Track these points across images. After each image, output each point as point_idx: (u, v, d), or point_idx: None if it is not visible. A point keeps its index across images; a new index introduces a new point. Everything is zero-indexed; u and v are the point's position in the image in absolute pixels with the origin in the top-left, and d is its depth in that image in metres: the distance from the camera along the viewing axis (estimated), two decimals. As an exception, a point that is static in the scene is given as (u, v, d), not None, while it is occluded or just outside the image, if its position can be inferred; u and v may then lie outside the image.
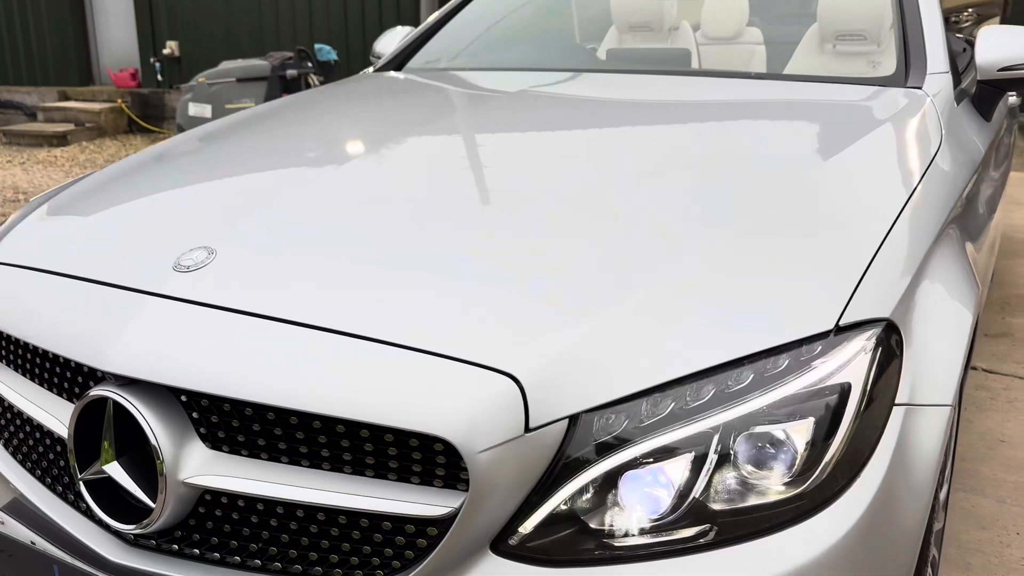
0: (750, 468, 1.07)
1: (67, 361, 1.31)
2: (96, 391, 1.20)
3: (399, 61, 2.81)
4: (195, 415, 1.19)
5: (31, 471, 1.41)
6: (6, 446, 1.47)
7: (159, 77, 9.82)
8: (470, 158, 1.70)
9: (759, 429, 1.07)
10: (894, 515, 1.12)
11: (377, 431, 1.08)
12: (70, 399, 1.33)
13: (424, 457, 1.08)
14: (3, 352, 1.46)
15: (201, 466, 1.17)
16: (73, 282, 1.35)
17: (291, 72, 7.00)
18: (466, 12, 2.99)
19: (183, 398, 1.19)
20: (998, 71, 2.12)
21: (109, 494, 1.24)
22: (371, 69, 2.82)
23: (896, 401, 1.15)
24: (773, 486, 1.07)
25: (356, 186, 1.54)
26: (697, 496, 1.06)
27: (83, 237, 1.49)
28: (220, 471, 1.16)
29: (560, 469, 1.07)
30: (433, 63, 2.76)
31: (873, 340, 1.14)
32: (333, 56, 7.47)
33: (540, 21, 3.22)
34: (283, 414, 1.13)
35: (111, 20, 10.31)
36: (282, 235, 1.36)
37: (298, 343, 1.14)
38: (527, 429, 1.05)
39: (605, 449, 1.07)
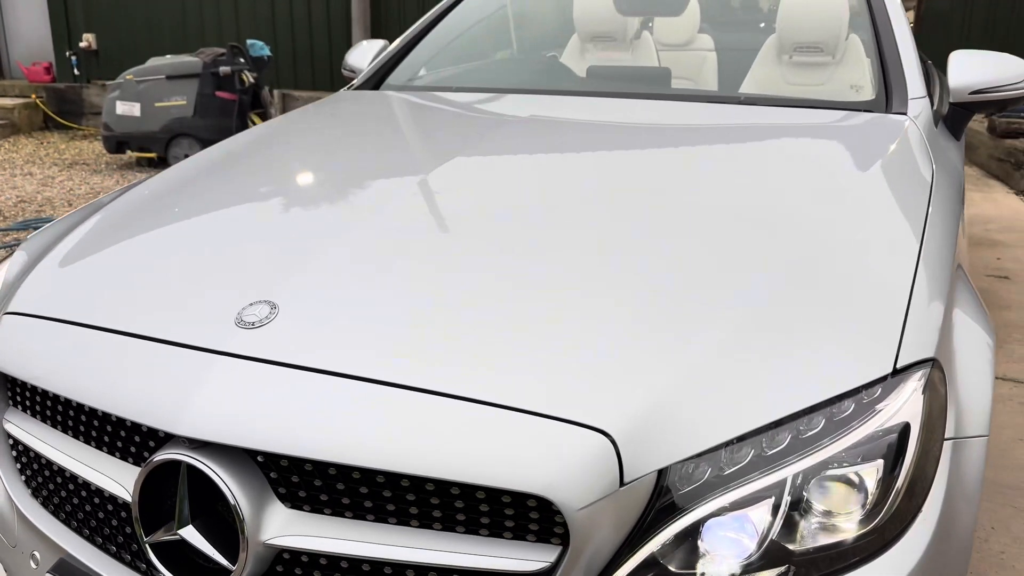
0: (825, 509, 1.13)
1: (121, 421, 1.29)
2: (167, 454, 1.19)
3: (379, 78, 2.79)
4: (273, 475, 1.19)
5: (78, 531, 1.38)
6: (46, 504, 1.43)
7: (75, 71, 9.44)
8: (510, 196, 1.69)
9: (833, 472, 1.13)
10: (951, 544, 1.20)
11: (469, 488, 1.11)
12: (124, 457, 1.31)
13: (517, 512, 1.11)
14: (42, 409, 1.42)
15: (283, 527, 1.17)
16: (128, 340, 1.32)
17: (224, 69, 6.81)
18: (441, 27, 2.98)
19: (259, 458, 1.19)
20: (969, 94, 2.24)
21: (176, 556, 1.23)
22: (355, 84, 2.79)
23: (945, 436, 1.23)
24: (847, 526, 1.13)
25: (407, 229, 1.53)
26: (776, 539, 1.12)
27: (124, 287, 1.46)
28: (303, 531, 1.16)
29: (650, 520, 1.11)
30: (416, 80, 2.76)
31: (924, 380, 1.21)
32: (266, 52, 7.31)
33: (511, 33, 3.24)
34: (369, 473, 1.14)
35: (21, 11, 9.84)
36: (343, 284, 1.35)
37: (383, 402, 1.15)
38: (621, 484, 1.08)
39: (691, 498, 1.11)
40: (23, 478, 1.48)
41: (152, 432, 1.26)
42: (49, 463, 1.42)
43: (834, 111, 2.21)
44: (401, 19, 8.70)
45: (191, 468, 1.18)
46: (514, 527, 1.11)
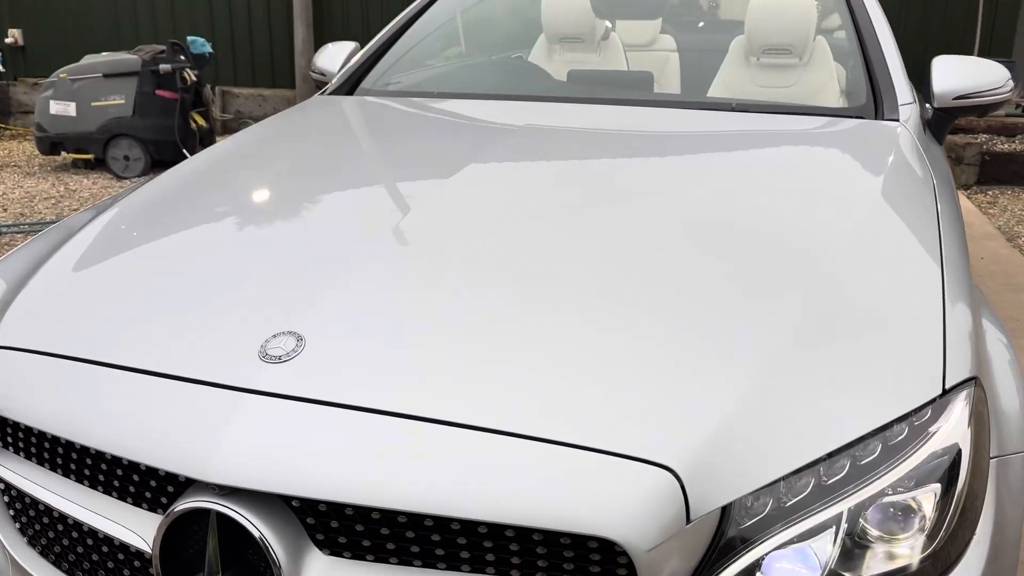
0: (884, 536, 1.11)
1: (135, 465, 1.20)
2: (194, 502, 1.10)
3: (354, 82, 2.70)
4: (309, 520, 1.11)
5: None
6: (45, 554, 1.33)
7: (1, 68, 9.02)
8: (527, 213, 1.62)
9: (891, 499, 1.11)
10: (1002, 563, 1.19)
11: (525, 529, 1.05)
12: (137, 504, 1.22)
13: (577, 554, 1.06)
14: (39, 452, 1.32)
15: (323, 575, 1.10)
16: (140, 377, 1.23)
17: (164, 67, 6.57)
18: (413, 29, 2.91)
19: (295, 503, 1.11)
20: (953, 99, 2.27)
21: None
22: (328, 89, 2.70)
23: (990, 455, 1.23)
24: (906, 552, 1.11)
25: (429, 250, 1.46)
26: (835, 568, 1.09)
27: (129, 317, 1.36)
28: None
29: (716, 555, 1.07)
30: (393, 84, 2.68)
31: (969, 400, 1.20)
32: (207, 49, 7.08)
33: (485, 33, 3.18)
34: (417, 516, 1.08)
35: (-60, 5, 9.37)
36: (370, 311, 1.28)
37: (430, 441, 1.09)
38: (687, 522, 1.04)
39: (754, 532, 1.08)
40: (18, 525, 1.37)
41: (170, 477, 1.18)
42: (49, 509, 1.32)
43: (826, 117, 2.21)
44: (345, 14, 8.53)
45: (221, 516, 1.10)
46: (573, 569, 1.06)
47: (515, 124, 2.17)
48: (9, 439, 1.36)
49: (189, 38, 7.04)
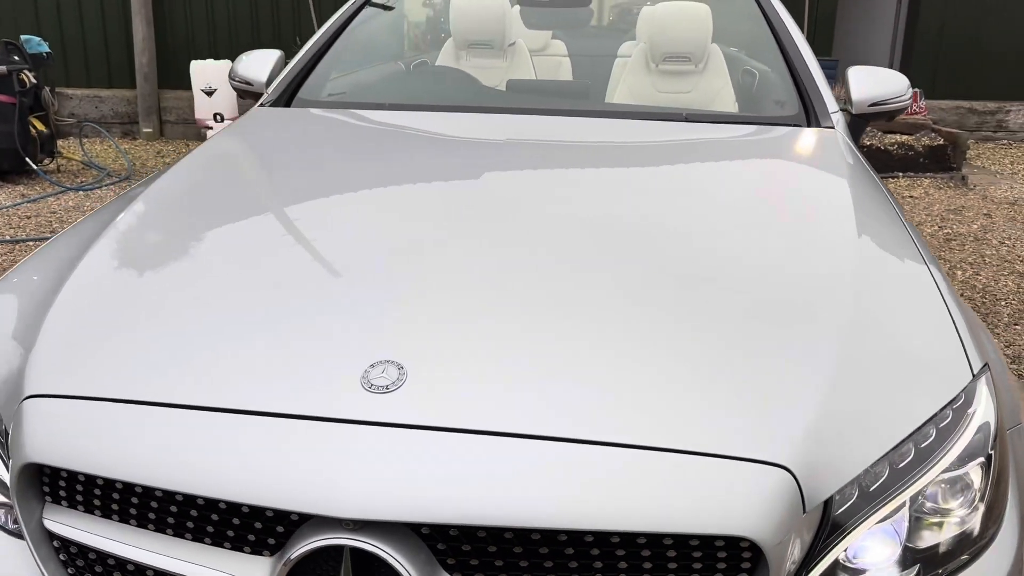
0: (944, 508, 1.26)
1: (234, 508, 1.17)
2: (325, 539, 1.10)
3: (290, 93, 2.64)
4: (440, 546, 1.13)
5: None
6: None
7: None
8: (565, 227, 1.68)
9: (950, 475, 1.26)
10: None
11: (656, 536, 1.12)
12: (238, 548, 1.18)
13: (705, 554, 1.13)
14: (104, 503, 1.25)
15: None
16: (236, 417, 1.19)
17: (-1, 68, 6.06)
18: (344, 36, 2.87)
19: (424, 530, 1.13)
20: (869, 106, 2.50)
21: None
22: (267, 101, 2.62)
23: (1006, 428, 1.41)
24: (966, 519, 1.26)
25: (491, 269, 1.50)
26: (909, 543, 1.23)
27: (206, 352, 1.30)
28: None
29: (820, 544, 1.18)
30: (338, 95, 2.64)
31: (989, 381, 1.38)
32: (44, 48, 6.57)
33: (421, 41, 3.17)
34: (550, 533, 1.12)
35: None
36: (460, 333, 1.31)
37: (554, 458, 1.13)
38: (804, 514, 1.14)
39: (848, 517, 1.19)
40: None
41: (279, 517, 1.16)
42: (120, 564, 1.25)
43: (766, 126, 2.38)
44: (187, 11, 8.14)
45: (353, 551, 1.10)
46: (701, 568, 1.14)
47: (496, 139, 2.22)
48: (62, 493, 1.28)
49: (23, 37, 6.51)
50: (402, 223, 1.68)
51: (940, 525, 1.25)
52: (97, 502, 1.25)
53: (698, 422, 1.18)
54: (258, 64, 2.80)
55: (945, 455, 1.26)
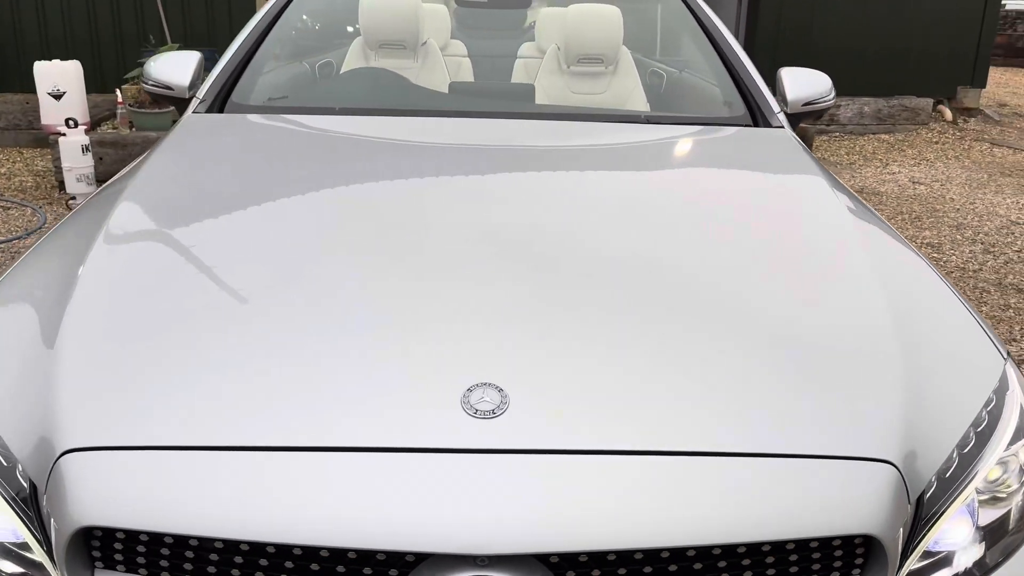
0: (1004, 486, 1.33)
1: (336, 553, 1.08)
2: None
3: (223, 97, 2.47)
4: (569, 573, 1.09)
5: None
6: None
7: None
8: (596, 232, 1.67)
9: (1006, 454, 1.34)
10: None
11: (779, 543, 1.12)
12: None
13: (823, 555, 1.15)
14: (175, 561, 1.12)
15: None
16: (334, 456, 1.10)
17: None
18: (271, 37, 2.71)
19: (553, 559, 1.08)
20: (803, 105, 2.62)
21: None
22: (199, 108, 2.43)
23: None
24: (1012, 496, 1.34)
25: (543, 280, 1.47)
26: (981, 524, 1.30)
27: (275, 387, 1.19)
28: None
29: (915, 535, 1.23)
30: (277, 100, 2.49)
31: (1013, 364, 1.48)
32: None
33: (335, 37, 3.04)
34: (679, 551, 1.10)
35: None
36: (548, 354, 1.26)
37: (676, 472, 1.12)
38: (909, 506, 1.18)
39: (934, 502, 1.25)
40: None
41: (389, 559, 1.08)
42: None
43: (719, 127, 2.45)
44: (13, 3, 7.45)
45: None
46: (820, 569, 1.16)
47: (471, 143, 2.16)
48: (119, 556, 1.13)
49: None
50: (432, 244, 1.61)
51: (997, 500, 1.32)
52: (165, 563, 1.12)
53: (803, 427, 1.20)
54: (177, 67, 2.60)
55: (1001, 437, 1.33)
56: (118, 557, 1.14)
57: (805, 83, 2.64)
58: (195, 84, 2.59)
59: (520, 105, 2.75)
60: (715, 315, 1.41)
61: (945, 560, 1.25)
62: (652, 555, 1.10)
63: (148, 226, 1.67)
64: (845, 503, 1.13)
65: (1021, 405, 1.40)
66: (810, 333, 1.39)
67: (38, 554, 1.17)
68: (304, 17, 3.39)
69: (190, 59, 2.63)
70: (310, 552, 1.09)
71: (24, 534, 1.19)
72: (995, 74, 13.03)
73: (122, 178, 1.97)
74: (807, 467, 1.15)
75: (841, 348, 1.37)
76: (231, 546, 1.10)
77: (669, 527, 1.07)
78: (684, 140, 2.30)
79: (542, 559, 1.08)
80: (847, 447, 1.18)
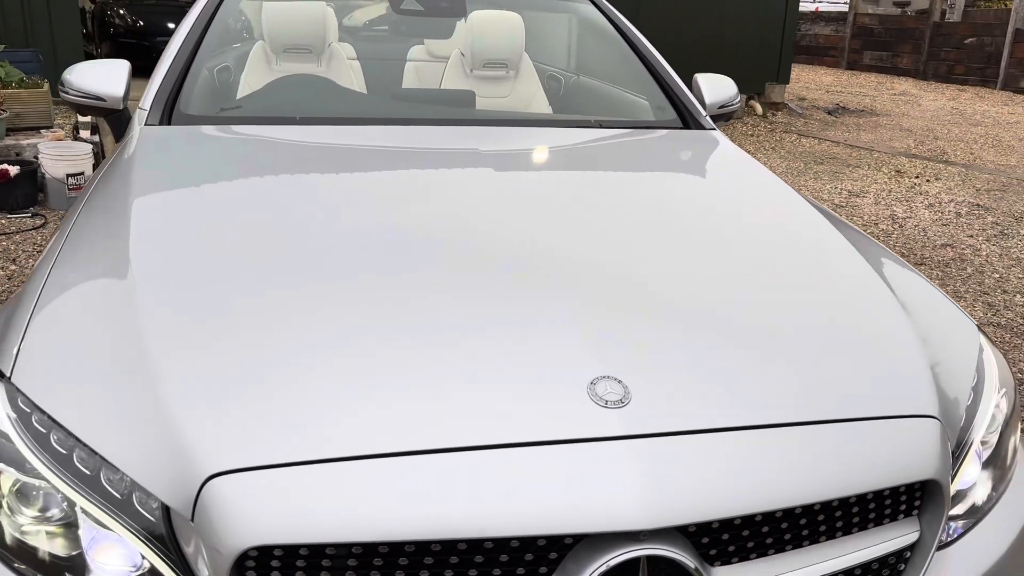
0: (993, 432, 1.58)
1: (500, 543, 1.15)
2: (631, 552, 1.14)
3: (167, 108, 2.38)
4: (704, 540, 1.22)
5: None
6: None
7: None
8: (622, 231, 1.79)
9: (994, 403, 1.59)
10: None
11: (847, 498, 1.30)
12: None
13: (893, 501, 1.34)
14: (336, 566, 1.15)
15: None
16: (483, 454, 1.17)
17: None
18: (206, 42, 2.64)
19: (691, 528, 1.21)
20: (718, 108, 2.87)
21: None
22: (148, 119, 2.33)
23: None
24: (1010, 436, 1.60)
25: (615, 277, 1.58)
26: (982, 463, 1.55)
27: (407, 392, 1.24)
28: None
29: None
30: (230, 110, 2.43)
31: (979, 329, 1.75)
32: None
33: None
34: (790, 511, 1.26)
35: None
36: (635, 343, 1.39)
37: (778, 443, 1.27)
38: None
39: (959, 448, 1.47)
40: None
41: (549, 543, 1.17)
42: None
43: (653, 130, 2.64)
44: None
45: (649, 559, 1.16)
46: (891, 513, 1.35)
47: (459, 147, 2.23)
48: (276, 575, 1.15)
49: None
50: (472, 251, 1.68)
51: (999, 445, 1.57)
52: (326, 574, 1.15)
53: (864, 393, 1.38)
54: (108, 76, 2.49)
55: (991, 390, 1.59)
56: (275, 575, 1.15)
57: (718, 88, 2.89)
58: (127, 94, 2.49)
59: (463, 112, 2.83)
60: (752, 302, 1.58)
61: (965, 495, 1.49)
62: (768, 516, 1.25)
63: (187, 247, 1.63)
64: (911, 455, 1.32)
65: (994, 363, 1.67)
66: (834, 311, 1.59)
67: None
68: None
69: (119, 68, 2.52)
70: (474, 545, 1.15)
71: (161, 566, 1.17)
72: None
73: (107, 200, 1.88)
74: (876, 427, 1.34)
75: (863, 322, 1.57)
76: (390, 548, 1.14)
77: (785, 490, 1.22)
78: (638, 142, 2.48)
79: (681, 529, 1.21)
80: (905, 407, 1.38)
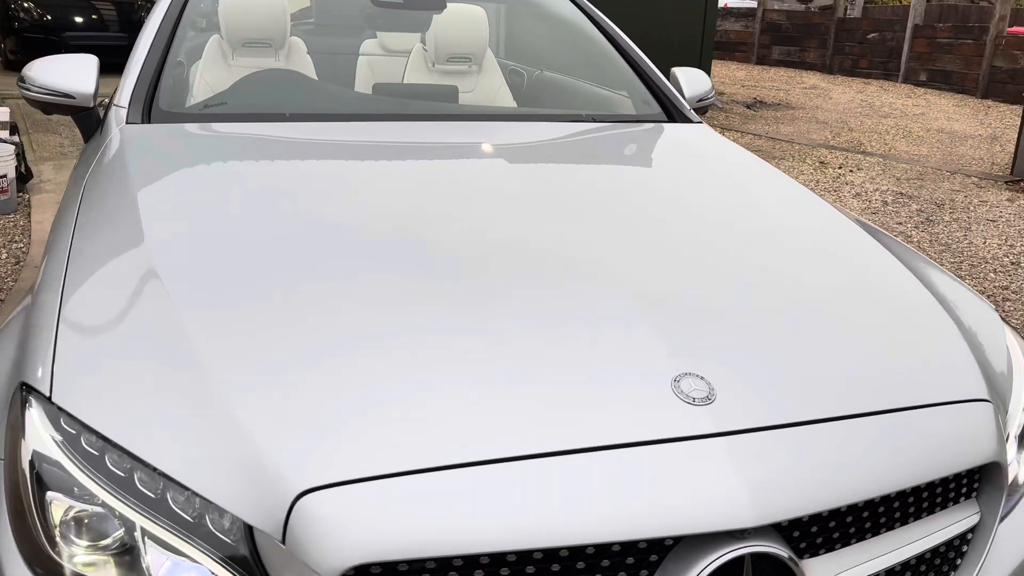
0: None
1: (603, 550, 1.13)
2: (740, 549, 1.13)
3: (146, 105, 2.26)
4: (795, 534, 1.22)
5: None
6: None
7: None
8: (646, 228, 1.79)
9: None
10: None
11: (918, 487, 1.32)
12: None
13: (956, 484, 1.37)
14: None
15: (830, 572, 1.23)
16: (587, 456, 1.15)
17: None
18: (178, 36, 2.51)
19: (784, 523, 1.20)
20: (697, 102, 2.89)
21: None
22: (128, 118, 2.20)
23: None
24: None
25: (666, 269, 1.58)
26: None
27: (484, 398, 1.22)
28: (844, 567, 1.25)
29: None
30: (215, 107, 2.32)
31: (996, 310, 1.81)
32: None
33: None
34: (871, 502, 1.27)
35: None
36: (711, 338, 1.38)
37: (855, 434, 1.28)
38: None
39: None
40: None
41: (650, 547, 1.15)
42: None
43: (642, 123, 2.64)
44: None
45: (752, 557, 1.15)
46: (954, 497, 1.38)
47: (454, 141, 2.18)
48: None
49: None
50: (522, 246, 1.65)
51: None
52: None
53: (920, 381, 1.41)
54: (74, 72, 2.34)
55: (1019, 370, 1.64)
56: None
57: (696, 82, 2.92)
58: (98, 91, 2.36)
59: (449, 107, 2.78)
60: (801, 296, 1.59)
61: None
62: (851, 506, 1.26)
63: (215, 252, 1.54)
64: (973, 439, 1.35)
65: (1016, 345, 1.72)
66: (874, 302, 1.61)
67: None
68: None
69: (88, 64, 2.38)
70: (575, 552, 1.12)
71: None
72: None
73: (109, 205, 1.77)
74: (941, 413, 1.36)
75: (904, 312, 1.60)
76: (491, 559, 1.10)
77: (870, 479, 1.23)
78: (640, 136, 2.47)
79: (775, 526, 1.20)
80: (962, 393, 1.41)
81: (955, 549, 1.39)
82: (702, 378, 1.28)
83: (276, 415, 1.17)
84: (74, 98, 2.32)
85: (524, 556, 1.11)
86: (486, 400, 1.21)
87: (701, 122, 2.68)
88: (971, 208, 6.55)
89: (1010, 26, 13.69)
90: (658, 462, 1.16)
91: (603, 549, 1.13)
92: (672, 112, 2.72)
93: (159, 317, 1.36)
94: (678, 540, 1.16)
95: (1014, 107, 12.74)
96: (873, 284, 1.68)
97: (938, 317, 1.61)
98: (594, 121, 2.57)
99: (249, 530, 1.11)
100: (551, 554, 1.12)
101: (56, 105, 2.35)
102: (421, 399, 1.20)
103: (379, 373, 1.24)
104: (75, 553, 1.15)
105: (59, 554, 1.15)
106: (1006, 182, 7.59)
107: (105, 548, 1.15)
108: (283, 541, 1.08)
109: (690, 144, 2.47)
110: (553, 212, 1.80)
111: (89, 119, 2.39)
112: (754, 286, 1.58)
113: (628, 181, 2.09)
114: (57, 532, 1.16)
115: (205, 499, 1.12)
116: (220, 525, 1.13)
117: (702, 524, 1.12)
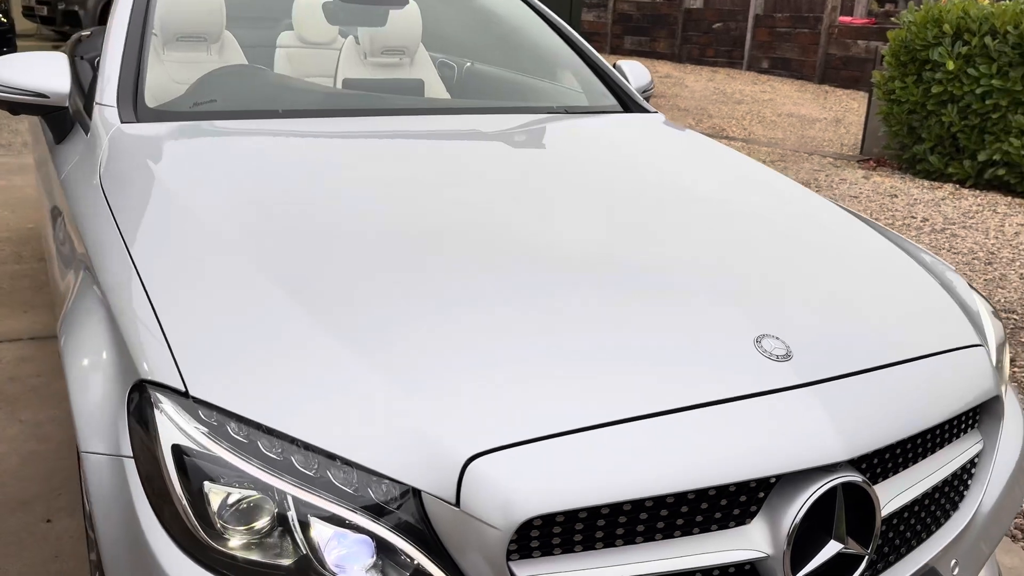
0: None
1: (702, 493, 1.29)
2: (836, 479, 1.31)
3: (132, 104, 2.23)
4: (863, 466, 1.42)
5: None
6: None
7: None
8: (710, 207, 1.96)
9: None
10: None
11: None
12: (724, 525, 1.30)
13: (965, 416, 1.61)
14: (587, 532, 1.23)
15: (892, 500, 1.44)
16: (703, 410, 1.31)
17: None
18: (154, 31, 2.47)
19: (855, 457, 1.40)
20: (641, 93, 3.09)
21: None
22: (115, 123, 2.15)
23: None
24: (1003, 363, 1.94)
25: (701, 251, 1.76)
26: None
27: (607, 363, 1.36)
28: (897, 491, 1.46)
29: None
30: (205, 105, 2.30)
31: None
32: None
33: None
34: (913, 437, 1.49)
35: None
36: (777, 300, 1.58)
37: (908, 377, 1.50)
38: None
39: None
40: None
41: (759, 485, 1.32)
42: None
43: (604, 114, 2.81)
44: None
45: (844, 486, 1.34)
46: (964, 427, 1.62)
47: (465, 131, 2.28)
48: (534, 544, 1.21)
49: None
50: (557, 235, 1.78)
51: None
52: (579, 536, 1.23)
53: (934, 331, 1.64)
54: (47, 70, 2.27)
55: (987, 314, 1.91)
56: (534, 544, 1.21)
57: (639, 74, 3.11)
58: (72, 90, 2.30)
59: (420, 101, 2.85)
60: (820, 265, 1.81)
61: None
62: (899, 441, 1.47)
63: (288, 243, 1.60)
64: (979, 378, 1.61)
65: (975, 295, 2.00)
66: (872, 266, 1.85)
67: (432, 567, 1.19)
68: None
69: (59, 62, 2.31)
70: (700, 493, 1.28)
71: (415, 555, 1.19)
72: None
73: (146, 203, 1.77)
74: (953, 358, 1.60)
75: (898, 273, 1.85)
76: (632, 505, 1.24)
77: (924, 415, 1.46)
78: (614, 126, 2.64)
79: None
80: (964, 340, 1.66)
81: (968, 472, 1.64)
82: (778, 338, 1.46)
83: (427, 387, 1.26)
84: (48, 97, 2.25)
85: (659, 501, 1.25)
86: (613, 364, 1.35)
87: (657, 112, 2.87)
88: (834, 186, 7.14)
89: (841, 15, 14.82)
90: (760, 413, 1.33)
91: (722, 490, 1.29)
92: (627, 103, 2.90)
93: (272, 304, 1.41)
94: (779, 478, 1.33)
95: (849, 91, 13.82)
96: (867, 253, 1.92)
97: (923, 278, 1.87)
98: (567, 113, 2.72)
99: (416, 497, 1.20)
100: (680, 497, 1.27)
101: (26, 105, 2.27)
102: (552, 367, 1.32)
103: (512, 344, 1.36)
104: (240, 538, 1.20)
105: (223, 542, 1.20)
106: (857, 161, 8.30)
107: (269, 531, 1.21)
108: (457, 503, 1.17)
109: (669, 135, 2.66)
110: (607, 203, 1.95)
111: (62, 119, 2.32)
112: (787, 261, 1.79)
113: (647, 168, 2.26)
114: (218, 520, 1.20)
115: (368, 471, 1.20)
116: (382, 495, 1.21)
117: (803, 461, 1.30)
